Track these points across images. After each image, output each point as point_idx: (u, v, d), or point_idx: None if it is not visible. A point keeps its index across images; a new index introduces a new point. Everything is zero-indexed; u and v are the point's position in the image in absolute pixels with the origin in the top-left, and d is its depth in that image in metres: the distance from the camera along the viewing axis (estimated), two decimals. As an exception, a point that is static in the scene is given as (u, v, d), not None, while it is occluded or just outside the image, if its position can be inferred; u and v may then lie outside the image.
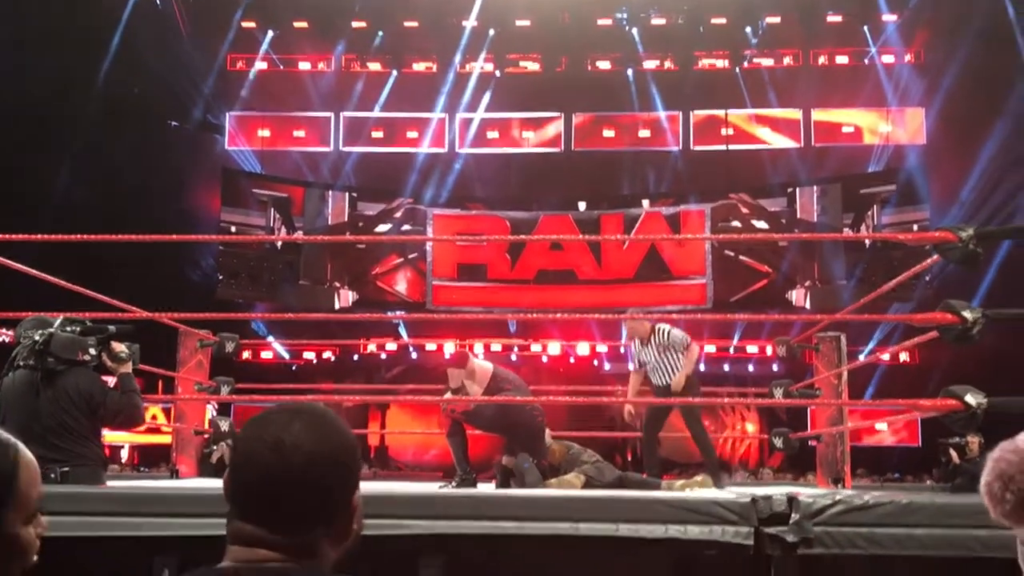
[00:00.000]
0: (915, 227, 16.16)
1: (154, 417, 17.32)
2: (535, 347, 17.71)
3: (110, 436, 17.64)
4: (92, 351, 4.51)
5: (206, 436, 7.97)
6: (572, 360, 17.96)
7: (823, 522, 3.39)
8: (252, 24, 18.80)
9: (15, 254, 5.56)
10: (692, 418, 7.17)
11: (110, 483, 4.71)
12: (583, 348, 17.61)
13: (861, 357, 10.62)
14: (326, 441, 1.46)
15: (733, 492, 3.92)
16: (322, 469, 1.44)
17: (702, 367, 18.24)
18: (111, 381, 4.71)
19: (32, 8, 14.83)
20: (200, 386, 7.48)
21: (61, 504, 3.38)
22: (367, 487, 4.83)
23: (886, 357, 14.86)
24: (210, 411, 7.99)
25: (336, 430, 1.49)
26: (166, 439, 12.43)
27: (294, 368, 17.52)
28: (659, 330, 7.21)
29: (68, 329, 4.52)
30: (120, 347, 4.66)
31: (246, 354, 16.07)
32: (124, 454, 17.88)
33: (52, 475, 4.22)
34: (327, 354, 17.67)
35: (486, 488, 5.96)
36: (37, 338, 4.40)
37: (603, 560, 3.59)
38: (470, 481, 6.15)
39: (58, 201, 14.27)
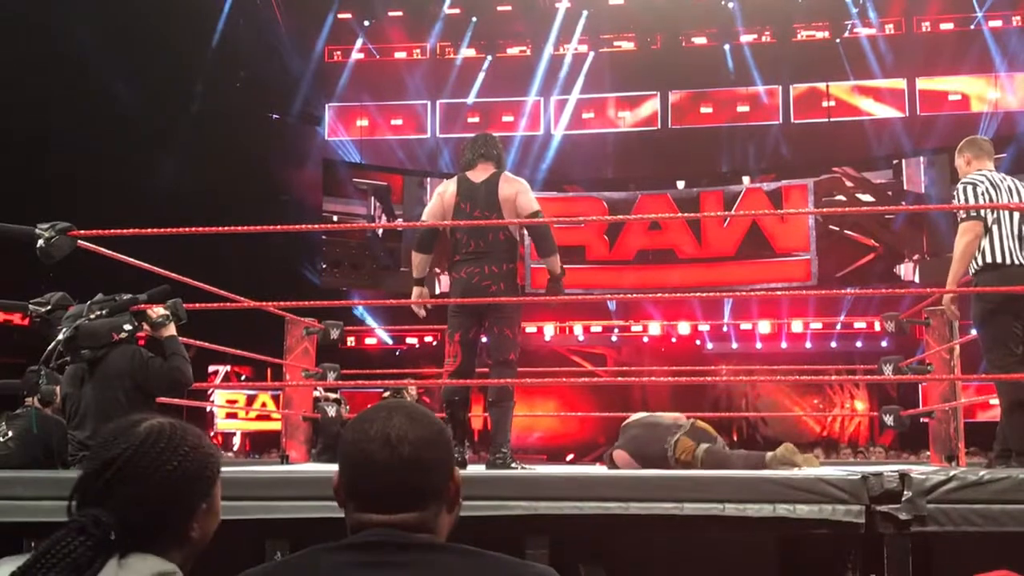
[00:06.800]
0: (1029, 195, 15.59)
1: (264, 404, 17.77)
2: (636, 328, 17.60)
3: (222, 424, 18.24)
4: (127, 327, 4.43)
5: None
6: (674, 340, 17.82)
7: (937, 499, 3.31)
8: (348, 15, 19.14)
9: (125, 248, 5.69)
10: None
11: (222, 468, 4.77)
12: (684, 328, 17.44)
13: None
14: (424, 428, 1.62)
15: (842, 470, 3.85)
16: (427, 453, 1.60)
17: (808, 344, 18.04)
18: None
19: (136, 8, 15.23)
20: (307, 372, 7.61)
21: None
22: (474, 469, 4.87)
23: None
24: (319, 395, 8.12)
25: (428, 417, 1.66)
26: (276, 426, 12.70)
27: (397, 353, 17.74)
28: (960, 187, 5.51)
29: (94, 315, 4.41)
30: (157, 311, 4.54)
31: (350, 340, 16.34)
32: (236, 441, 18.37)
33: None
34: (429, 338, 17.85)
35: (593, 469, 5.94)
36: (60, 337, 4.29)
37: (708, 540, 3.56)
38: (506, 460, 5.18)
39: (164, 195, 14.64)
